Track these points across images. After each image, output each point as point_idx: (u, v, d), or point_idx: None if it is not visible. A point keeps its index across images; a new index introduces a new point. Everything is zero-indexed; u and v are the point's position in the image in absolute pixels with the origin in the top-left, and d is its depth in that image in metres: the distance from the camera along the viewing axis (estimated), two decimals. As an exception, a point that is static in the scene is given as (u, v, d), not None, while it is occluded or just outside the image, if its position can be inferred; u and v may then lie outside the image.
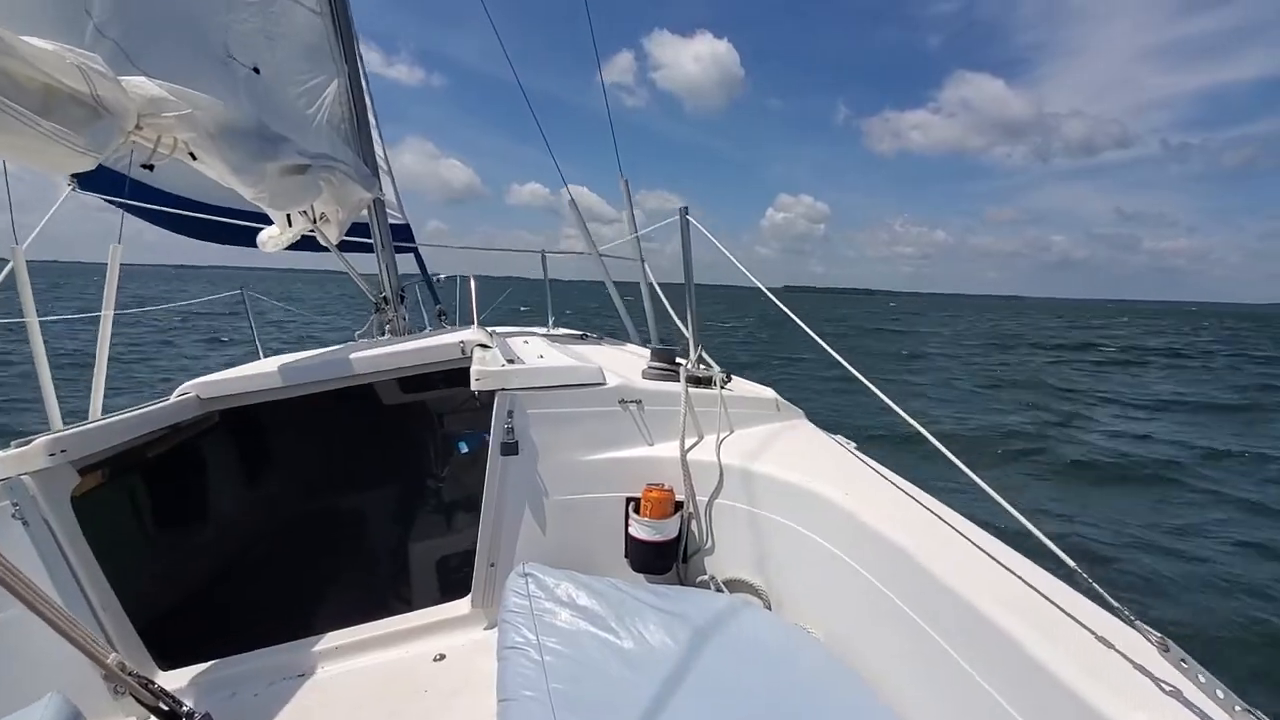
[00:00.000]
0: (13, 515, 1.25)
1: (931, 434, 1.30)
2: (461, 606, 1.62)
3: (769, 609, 1.48)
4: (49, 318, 2.17)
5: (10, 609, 1.26)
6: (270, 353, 3.70)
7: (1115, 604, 0.89)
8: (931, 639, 1.03)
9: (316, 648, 1.51)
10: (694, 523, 1.63)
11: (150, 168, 1.63)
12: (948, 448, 1.26)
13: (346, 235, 2.85)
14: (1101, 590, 0.91)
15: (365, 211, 3.13)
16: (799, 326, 1.74)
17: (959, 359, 21.56)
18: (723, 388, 1.82)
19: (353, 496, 2.88)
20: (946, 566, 1.05)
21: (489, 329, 3.09)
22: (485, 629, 1.59)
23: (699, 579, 1.58)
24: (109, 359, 2.29)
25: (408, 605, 2.37)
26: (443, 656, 1.49)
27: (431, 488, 2.86)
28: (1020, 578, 0.99)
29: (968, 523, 1.20)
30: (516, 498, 1.63)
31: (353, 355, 2.03)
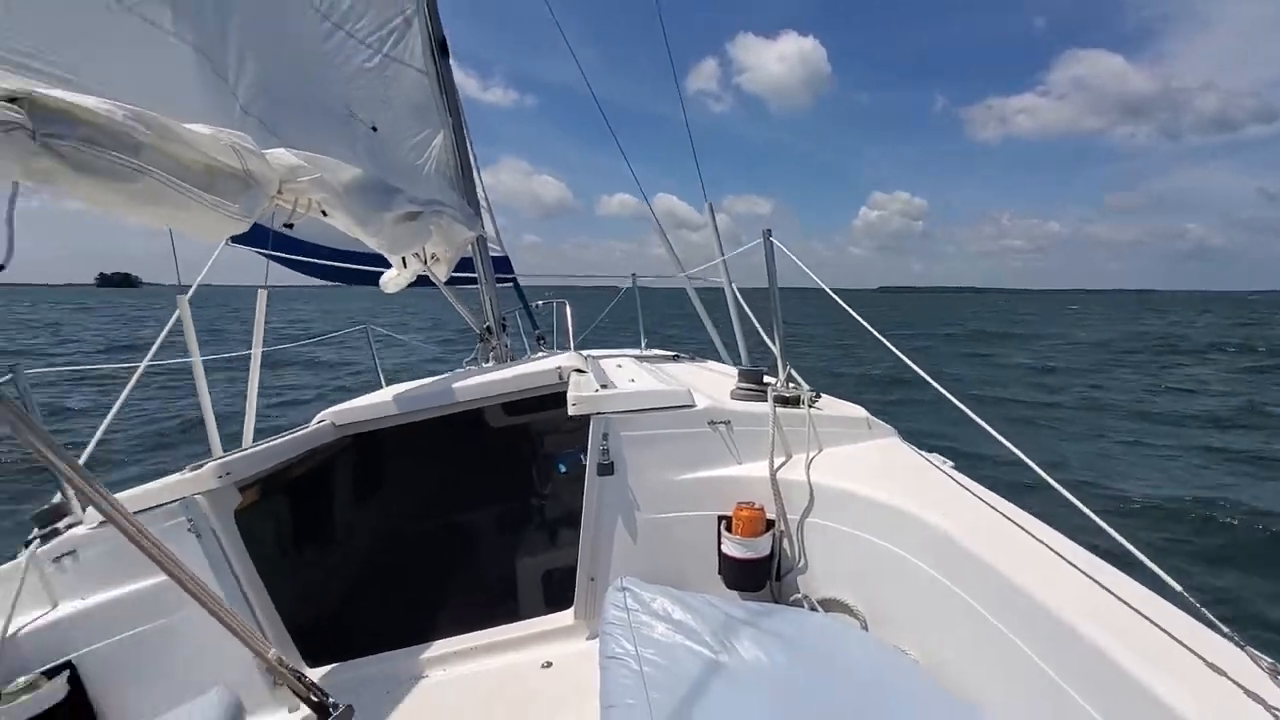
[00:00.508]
0: (188, 529, 1.47)
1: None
2: (565, 618, 1.71)
3: (865, 629, 1.46)
4: (210, 356, 2.49)
5: (179, 612, 1.48)
6: (390, 376, 4.03)
7: (1225, 629, 0.83)
8: (1035, 664, 0.99)
9: (438, 652, 1.64)
10: (786, 541, 1.64)
11: (290, 226, 1.87)
12: None
13: (454, 272, 3.09)
14: (1209, 614, 0.85)
15: (470, 248, 3.37)
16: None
17: (1128, 368, 16.64)
18: (811, 406, 1.82)
19: (464, 514, 3.07)
20: (1049, 590, 1.01)
21: (584, 352, 3.22)
22: (587, 639, 1.67)
23: (793, 598, 1.58)
24: (258, 390, 2.61)
25: (514, 615, 2.51)
26: (550, 664, 1.58)
27: (535, 505, 3.00)
28: (1125, 602, 0.94)
29: (1070, 544, 1.15)
30: (612, 516, 1.70)
31: (462, 383, 2.20)
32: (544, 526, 2.85)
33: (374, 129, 2.65)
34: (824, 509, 1.58)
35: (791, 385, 1.96)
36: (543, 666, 1.58)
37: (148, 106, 1.28)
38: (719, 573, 1.69)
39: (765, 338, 2.38)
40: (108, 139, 1.20)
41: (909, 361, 1.64)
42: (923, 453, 1.71)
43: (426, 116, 3.04)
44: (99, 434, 1.96)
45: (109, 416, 2.07)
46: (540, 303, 5.85)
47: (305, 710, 1.52)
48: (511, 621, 1.79)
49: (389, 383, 3.56)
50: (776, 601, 1.62)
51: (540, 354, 4.90)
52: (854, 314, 1.84)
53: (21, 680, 1.32)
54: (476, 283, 3.46)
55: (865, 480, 1.54)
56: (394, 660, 1.64)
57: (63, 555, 1.45)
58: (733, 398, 1.88)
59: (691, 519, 1.70)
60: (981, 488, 1.42)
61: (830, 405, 1.91)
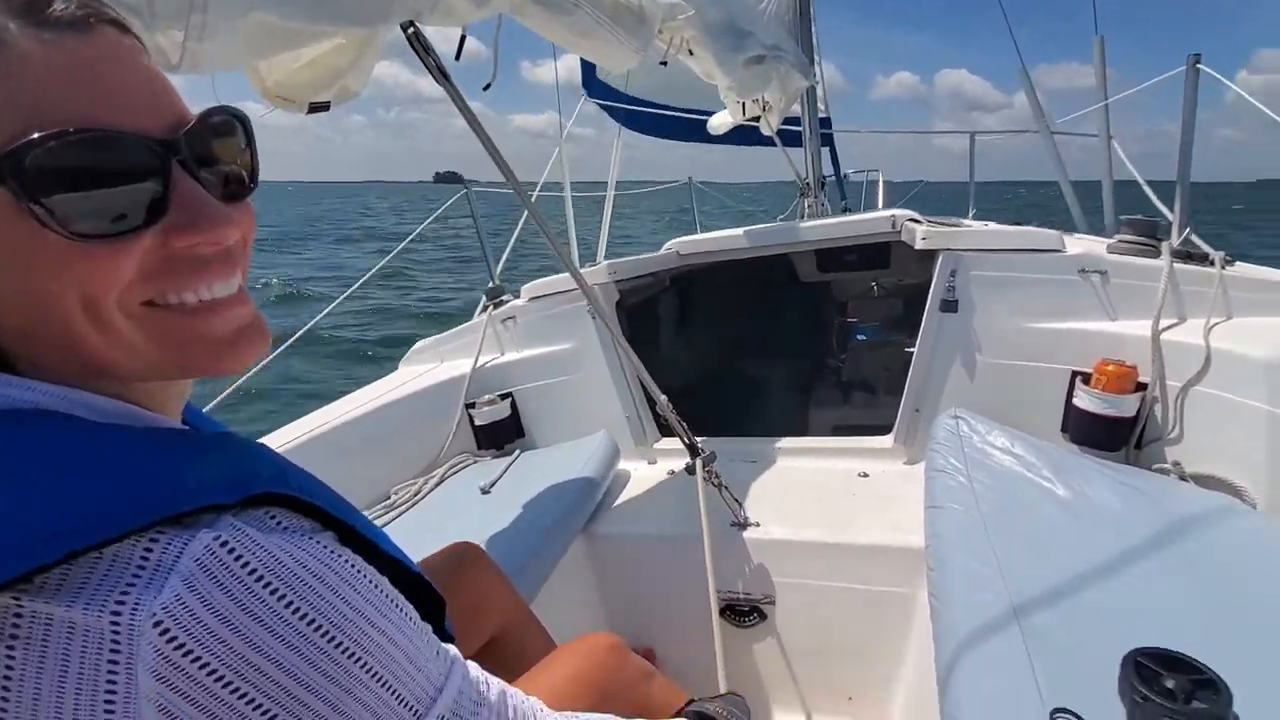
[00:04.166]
0: (587, 311, 1.86)
1: None
2: (883, 441, 1.79)
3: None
4: (578, 194, 2.97)
5: (581, 372, 1.91)
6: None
7: None
8: None
9: (769, 444, 1.87)
10: (1158, 408, 1.47)
11: (664, 64, 2.07)
12: None
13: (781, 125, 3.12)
14: None
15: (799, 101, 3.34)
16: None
17: None
18: (1224, 268, 1.53)
19: (764, 359, 3.29)
20: None
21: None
22: (905, 464, 1.74)
23: (1155, 466, 1.44)
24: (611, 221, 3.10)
25: None
26: (866, 475, 1.70)
27: (831, 365, 3.08)
28: None
29: None
30: (948, 353, 1.69)
31: (792, 227, 2.30)
32: (838, 386, 2.93)
33: (723, -28, 2.70)
34: (1223, 378, 1.37)
35: (1192, 247, 1.66)
36: (859, 475, 1.70)
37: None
38: (1063, 430, 1.59)
39: (1156, 200, 2.02)
40: (557, -25, 1.44)
41: None
42: None
43: (771, -44, 2.97)
44: (512, 241, 2.51)
45: (515, 232, 2.63)
46: (850, 172, 5.62)
47: (659, 464, 1.89)
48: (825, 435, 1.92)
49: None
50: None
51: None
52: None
53: (486, 397, 1.89)
54: (795, 142, 3.44)
55: None
56: (735, 443, 1.90)
57: (507, 319, 1.97)
58: (1111, 251, 1.66)
59: (1039, 370, 1.61)
60: None
61: (1249, 271, 1.58)
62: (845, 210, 5.24)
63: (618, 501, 1.69)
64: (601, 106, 3.85)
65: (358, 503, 1.68)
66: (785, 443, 1.87)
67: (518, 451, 1.84)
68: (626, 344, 1.56)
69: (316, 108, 1.34)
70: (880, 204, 5.36)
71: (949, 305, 1.66)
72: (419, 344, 2.10)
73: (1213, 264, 1.54)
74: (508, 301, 2.02)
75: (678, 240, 2.36)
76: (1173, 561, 1.05)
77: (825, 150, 5.32)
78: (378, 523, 1.53)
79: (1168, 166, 1.83)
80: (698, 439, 1.96)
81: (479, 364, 1.92)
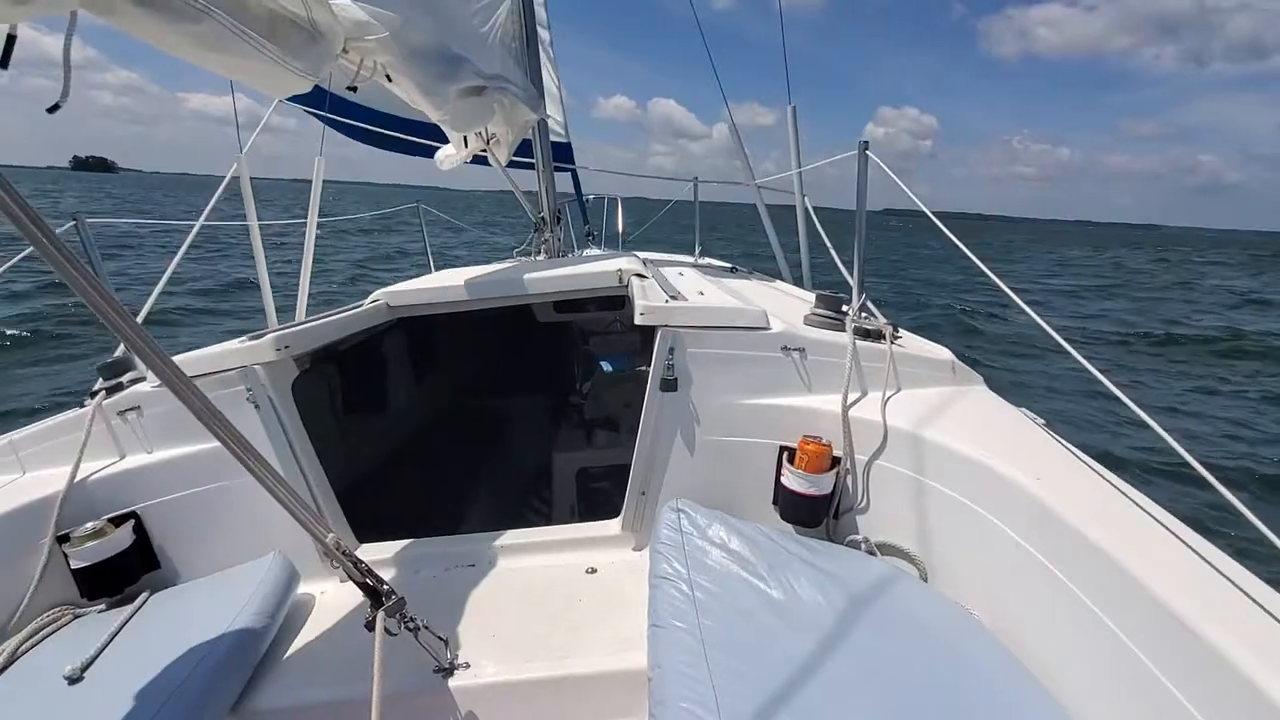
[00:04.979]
0: (247, 399, 1.45)
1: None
2: (611, 527, 1.70)
3: (924, 580, 1.42)
4: (267, 222, 2.43)
5: (243, 477, 1.49)
6: (440, 261, 3.96)
7: None
8: (1124, 645, 0.93)
9: (483, 544, 1.66)
10: (850, 480, 1.58)
11: (354, 89, 1.73)
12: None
13: (515, 155, 2.92)
14: None
15: (530, 132, 3.18)
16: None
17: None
18: (893, 342, 1.70)
19: (504, 401, 3.09)
20: (1152, 569, 0.93)
21: (639, 255, 3.10)
22: (633, 550, 1.67)
23: (849, 538, 1.54)
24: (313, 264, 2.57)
25: (549, 507, 2.54)
26: (594, 570, 1.58)
27: (574, 403, 3.00)
28: (1240, 588, 0.86)
29: (1183, 526, 1.06)
30: (671, 433, 1.65)
31: (518, 276, 2.12)
32: (581, 425, 2.85)
33: (439, -15, 2.42)
34: (895, 453, 1.50)
35: (865, 315, 1.84)
36: (587, 571, 1.58)
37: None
38: (774, 503, 1.64)
39: (841, 265, 2.23)
40: (168, -32, 1.07)
41: (1027, 309, 1.49)
42: (1013, 405, 1.59)
43: (495, -24, 2.77)
44: (156, 292, 1.93)
45: (165, 276, 2.04)
46: (592, 197, 5.69)
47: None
48: (552, 520, 1.78)
49: (438, 266, 3.49)
50: (831, 539, 1.58)
51: (591, 250, 4.77)
52: (965, 248, 1.66)
53: (90, 525, 1.36)
54: (534, 168, 3.29)
55: (945, 428, 1.45)
56: (444, 545, 1.66)
57: (127, 410, 1.46)
58: (806, 324, 1.77)
59: (752, 446, 1.64)
60: (1076, 449, 1.32)
61: (912, 344, 1.79)
62: (589, 236, 5.26)
63: (291, 649, 1.34)
64: (307, 111, 3.30)
65: None
66: (510, 537, 1.68)
67: (146, 595, 1.36)
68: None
69: None
70: (620, 226, 5.49)
71: (669, 384, 1.61)
72: None
73: (883, 338, 1.71)
74: (129, 385, 1.51)
75: (385, 291, 2.04)
76: (859, 646, 1.13)
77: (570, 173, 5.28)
78: None
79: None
80: (410, 541, 1.68)
81: (80, 476, 1.39)
